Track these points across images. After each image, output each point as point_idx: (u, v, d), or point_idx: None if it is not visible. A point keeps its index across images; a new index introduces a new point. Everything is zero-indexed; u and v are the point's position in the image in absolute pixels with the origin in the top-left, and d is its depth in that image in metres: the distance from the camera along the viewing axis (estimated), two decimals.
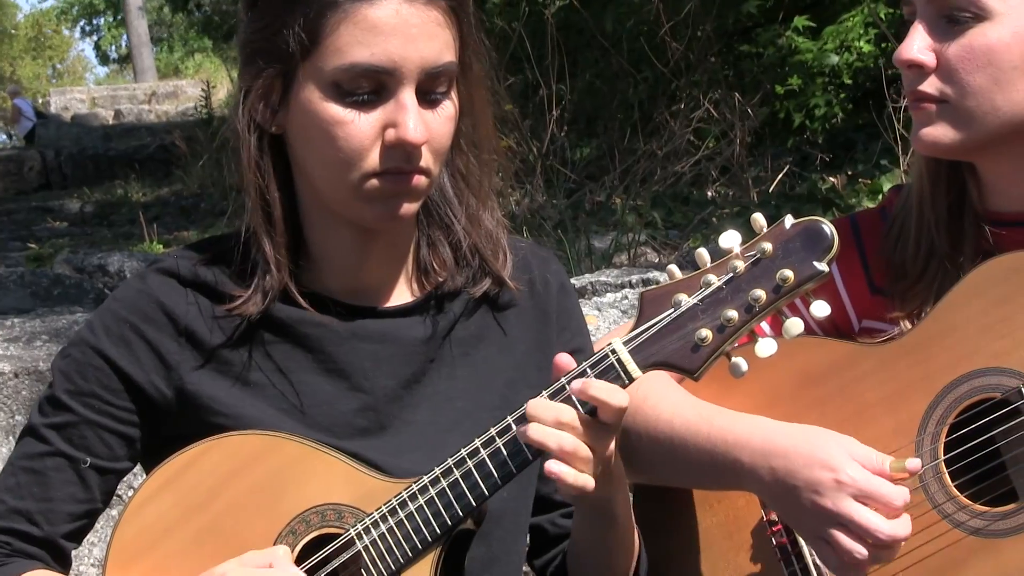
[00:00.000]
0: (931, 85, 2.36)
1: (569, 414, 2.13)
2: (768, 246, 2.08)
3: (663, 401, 2.47)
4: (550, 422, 2.13)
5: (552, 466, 2.13)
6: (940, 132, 2.36)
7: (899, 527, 2.26)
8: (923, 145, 2.39)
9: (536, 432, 2.13)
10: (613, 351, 2.14)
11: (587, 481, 2.15)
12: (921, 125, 2.38)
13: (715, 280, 2.10)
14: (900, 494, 2.26)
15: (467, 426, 2.26)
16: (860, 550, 2.25)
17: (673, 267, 2.15)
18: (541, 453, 2.17)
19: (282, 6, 2.23)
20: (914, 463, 2.29)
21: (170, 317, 2.34)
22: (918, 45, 2.35)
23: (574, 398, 2.14)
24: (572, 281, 5.56)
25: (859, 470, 2.26)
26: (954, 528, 2.30)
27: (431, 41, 2.22)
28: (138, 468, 2.45)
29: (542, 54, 10.14)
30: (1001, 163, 2.40)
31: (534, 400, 2.15)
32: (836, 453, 2.29)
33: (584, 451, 2.14)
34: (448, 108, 2.28)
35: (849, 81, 11.22)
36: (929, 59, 2.35)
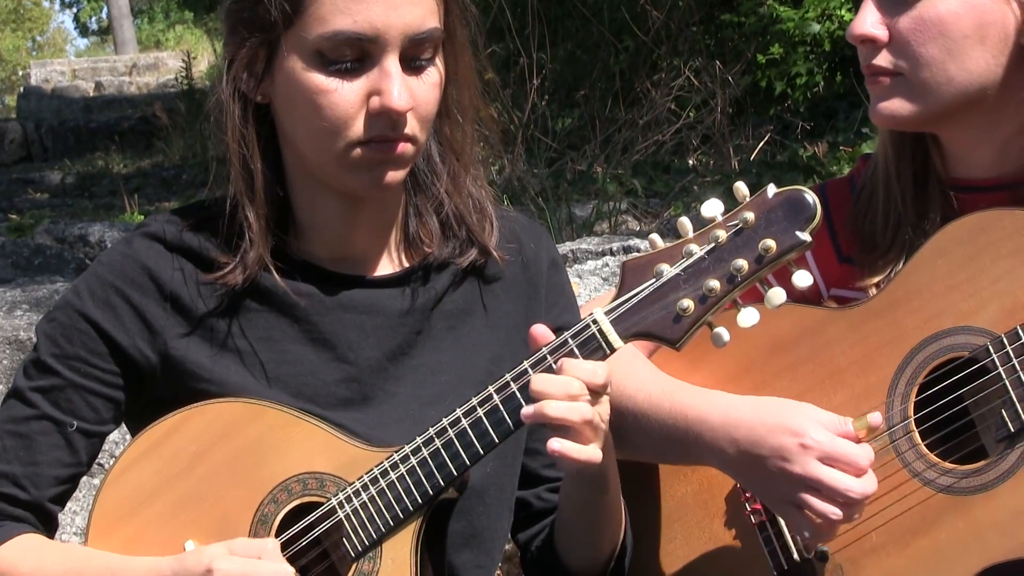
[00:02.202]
0: (884, 59, 2.38)
1: (577, 385, 2.12)
2: (750, 216, 2.08)
3: (629, 376, 2.48)
4: (562, 396, 2.12)
5: (555, 444, 2.12)
6: (897, 105, 2.39)
7: (867, 484, 2.29)
8: (881, 118, 2.41)
9: (554, 409, 2.11)
10: (595, 321, 2.15)
11: (595, 452, 2.16)
12: (878, 99, 2.41)
13: (697, 250, 2.10)
14: (865, 453, 2.29)
15: (451, 400, 2.25)
16: (833, 511, 2.27)
17: (655, 236, 2.15)
18: (521, 425, 2.18)
19: None
20: (875, 417, 2.32)
21: (156, 282, 2.35)
22: (870, 20, 2.38)
23: (555, 368, 2.15)
24: None
25: (823, 433, 2.29)
26: (924, 486, 2.33)
27: (414, 7, 2.22)
28: (118, 436, 2.46)
29: (523, 24, 10.10)
30: (959, 131, 2.42)
31: (539, 376, 2.14)
32: (799, 419, 2.31)
33: (598, 419, 2.15)
34: (433, 75, 2.28)
35: (829, 48, 11.21)
36: (881, 33, 2.37)
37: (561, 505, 2.47)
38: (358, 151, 2.25)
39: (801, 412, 2.33)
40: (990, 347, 2.27)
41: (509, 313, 2.48)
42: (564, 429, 2.14)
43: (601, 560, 2.47)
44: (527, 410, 2.14)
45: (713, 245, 2.10)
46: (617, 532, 2.46)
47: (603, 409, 2.18)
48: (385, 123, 2.23)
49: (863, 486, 2.28)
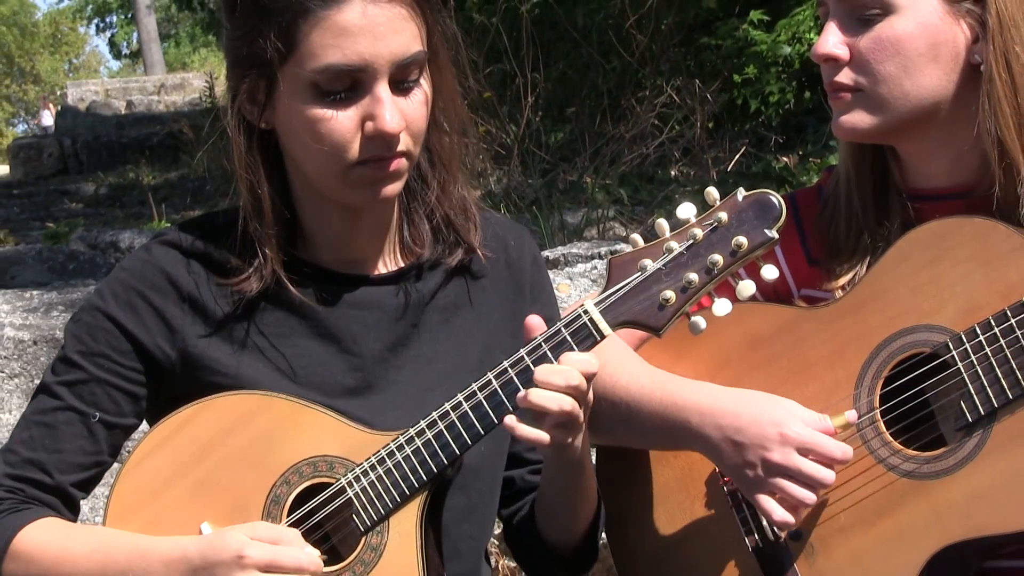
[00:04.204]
0: (846, 76, 2.39)
1: (577, 377, 2.15)
2: (724, 216, 2.12)
3: (620, 368, 2.49)
4: (562, 385, 2.15)
5: (508, 420, 2.17)
6: (857, 118, 2.39)
7: (832, 473, 2.30)
8: (843, 131, 2.42)
9: (538, 397, 2.15)
10: (585, 311, 2.17)
11: (541, 436, 2.17)
12: (840, 113, 2.41)
13: (677, 246, 2.13)
14: (840, 448, 2.30)
15: (447, 386, 2.27)
16: (809, 496, 2.28)
17: (636, 236, 2.18)
18: (518, 408, 2.19)
19: (257, 15, 2.23)
20: (851, 414, 2.33)
21: (174, 284, 2.35)
22: (832, 40, 2.39)
23: (550, 355, 2.17)
24: (546, 253, 5.58)
25: (802, 426, 2.30)
26: (889, 471, 2.33)
27: (398, 35, 2.22)
28: (146, 428, 2.45)
29: (518, 46, 10.12)
30: (915, 144, 2.43)
31: (543, 367, 2.16)
32: (780, 412, 2.32)
33: (574, 411, 2.17)
34: (420, 94, 2.28)
35: (799, 68, 11.22)
36: (843, 52, 2.38)
37: (542, 487, 2.49)
38: (357, 170, 2.26)
39: (783, 406, 2.33)
40: (950, 344, 2.27)
41: (496, 306, 2.50)
42: (541, 415, 2.17)
43: (577, 534, 2.49)
44: (521, 394, 2.16)
45: (691, 242, 2.13)
46: (591, 509, 2.48)
47: (589, 398, 2.21)
48: (380, 144, 2.25)
49: (832, 475, 2.29)
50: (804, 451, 2.29)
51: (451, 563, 2.40)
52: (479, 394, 2.20)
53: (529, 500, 2.57)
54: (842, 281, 2.46)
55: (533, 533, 2.53)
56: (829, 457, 2.29)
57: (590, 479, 2.43)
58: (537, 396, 2.15)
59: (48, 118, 41.14)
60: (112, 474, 2.40)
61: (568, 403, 2.16)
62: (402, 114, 2.24)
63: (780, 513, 2.31)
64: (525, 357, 2.18)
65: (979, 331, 2.25)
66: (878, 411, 2.34)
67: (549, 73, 11.27)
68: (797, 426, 2.30)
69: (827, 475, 2.28)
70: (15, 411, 4.45)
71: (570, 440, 2.24)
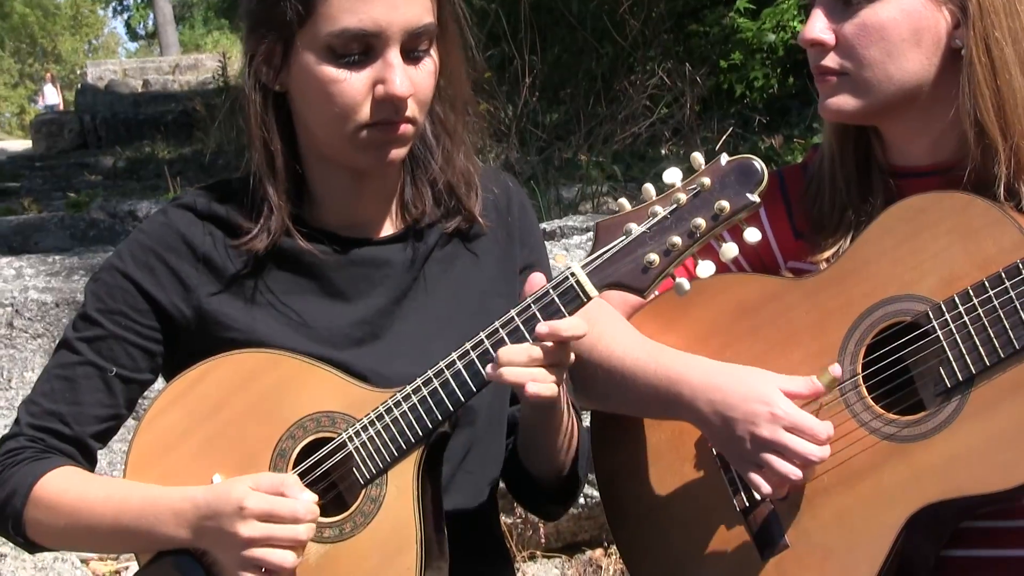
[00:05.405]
0: (832, 60, 2.38)
1: (536, 352, 2.15)
2: (707, 180, 2.09)
3: (616, 341, 2.47)
4: (522, 363, 2.15)
5: (531, 388, 2.15)
6: (843, 100, 2.38)
7: (824, 451, 2.29)
8: (829, 113, 2.41)
9: (511, 375, 2.15)
10: (572, 274, 2.15)
11: (554, 390, 2.18)
12: (826, 96, 2.40)
13: (661, 211, 2.10)
14: (824, 427, 2.28)
15: (449, 332, 2.28)
16: (795, 471, 2.27)
17: (623, 200, 2.16)
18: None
19: None
20: (835, 369, 2.31)
21: (189, 246, 2.36)
22: (819, 26, 2.38)
23: (539, 315, 2.16)
24: (543, 226, 5.58)
25: (790, 405, 2.28)
26: (871, 434, 2.32)
27: (412, 5, 2.23)
28: (160, 385, 2.45)
29: (516, 30, 10.11)
30: (898, 124, 2.42)
31: (504, 348, 2.16)
32: (770, 389, 2.30)
33: (550, 377, 2.17)
34: (429, 64, 2.29)
35: (783, 54, 11.22)
36: (829, 38, 2.37)
37: (520, 424, 2.50)
38: (365, 133, 2.26)
39: (771, 382, 2.32)
40: (930, 313, 2.26)
41: (490, 251, 2.51)
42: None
43: (559, 467, 2.49)
44: (488, 370, 2.17)
45: (675, 206, 2.10)
46: (572, 443, 2.48)
47: (569, 357, 2.21)
48: (389, 108, 2.24)
49: (821, 452, 2.28)
50: (792, 429, 2.28)
51: (449, 496, 2.39)
52: (471, 353, 2.20)
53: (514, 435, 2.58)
54: (827, 254, 2.45)
55: (518, 466, 2.53)
56: (814, 435, 2.27)
57: (567, 416, 2.42)
58: (510, 373, 2.15)
59: (53, 95, 40.65)
60: (130, 430, 2.40)
61: (539, 374, 2.16)
62: (411, 81, 2.24)
63: (767, 487, 2.30)
64: (515, 317, 2.18)
65: (958, 301, 2.24)
66: (860, 377, 2.33)
67: (546, 56, 11.27)
68: (786, 405, 2.28)
69: (814, 450, 2.27)
70: (38, 369, 4.45)
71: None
